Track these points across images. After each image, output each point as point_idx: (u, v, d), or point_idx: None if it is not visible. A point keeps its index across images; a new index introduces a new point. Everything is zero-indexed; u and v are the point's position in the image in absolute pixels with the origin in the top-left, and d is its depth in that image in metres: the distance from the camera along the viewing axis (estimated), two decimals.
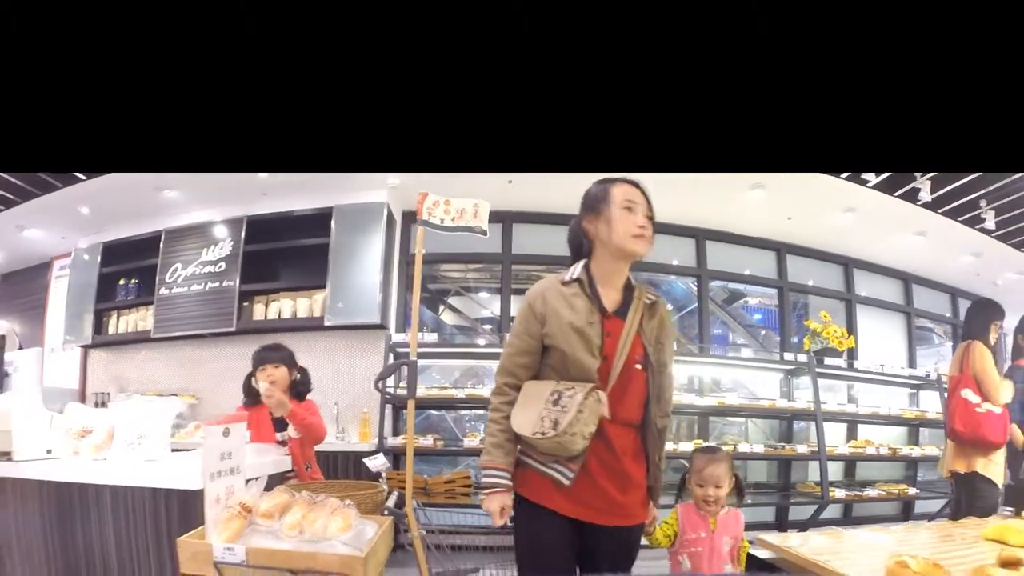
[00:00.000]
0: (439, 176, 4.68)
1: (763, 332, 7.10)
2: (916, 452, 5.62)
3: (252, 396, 2.82)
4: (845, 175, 4.44)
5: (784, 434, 5.76)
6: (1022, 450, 3.47)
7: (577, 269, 1.77)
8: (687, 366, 5.31)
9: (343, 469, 4.07)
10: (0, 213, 5.73)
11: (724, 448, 2.20)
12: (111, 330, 5.76)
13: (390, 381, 4.25)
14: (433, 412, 5.34)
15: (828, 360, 5.43)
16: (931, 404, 6.21)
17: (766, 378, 6.03)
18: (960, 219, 5.50)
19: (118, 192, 5.08)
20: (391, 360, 4.50)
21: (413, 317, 2.53)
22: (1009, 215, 5.42)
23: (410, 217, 5.27)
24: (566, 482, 1.62)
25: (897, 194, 4.82)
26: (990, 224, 5.31)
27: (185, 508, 1.85)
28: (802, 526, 4.95)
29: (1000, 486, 3.19)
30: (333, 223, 4.82)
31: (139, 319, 5.56)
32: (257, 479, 1.80)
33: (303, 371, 2.92)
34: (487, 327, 5.62)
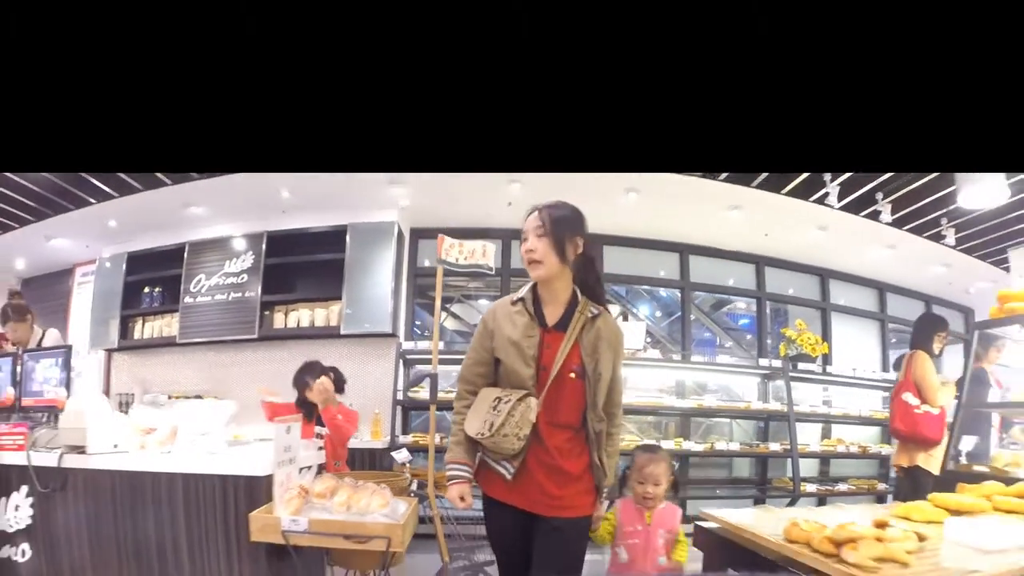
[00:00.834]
0: (444, 198, 5.15)
1: (748, 336, 7.58)
2: (886, 450, 6.07)
3: (303, 403, 3.42)
4: (813, 198, 4.89)
5: (763, 434, 6.23)
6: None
7: (524, 289, 1.98)
8: (670, 371, 5.77)
9: (359, 463, 4.52)
10: (31, 225, 6.16)
11: (662, 449, 2.34)
12: (136, 335, 6.18)
13: (400, 385, 4.71)
14: (436, 412, 5.80)
15: (802, 365, 5.90)
16: None
17: (746, 381, 6.50)
18: (925, 235, 5.96)
19: (146, 207, 5.50)
20: (401, 365, 4.96)
21: (434, 338, 2.97)
22: (970, 231, 5.88)
23: (418, 234, 5.74)
24: (508, 476, 1.86)
25: (863, 214, 5.27)
26: (950, 240, 5.78)
27: (250, 491, 2.28)
28: None
29: None
30: (348, 239, 5.27)
31: (164, 325, 5.99)
32: (309, 468, 2.24)
33: (336, 371, 3.45)
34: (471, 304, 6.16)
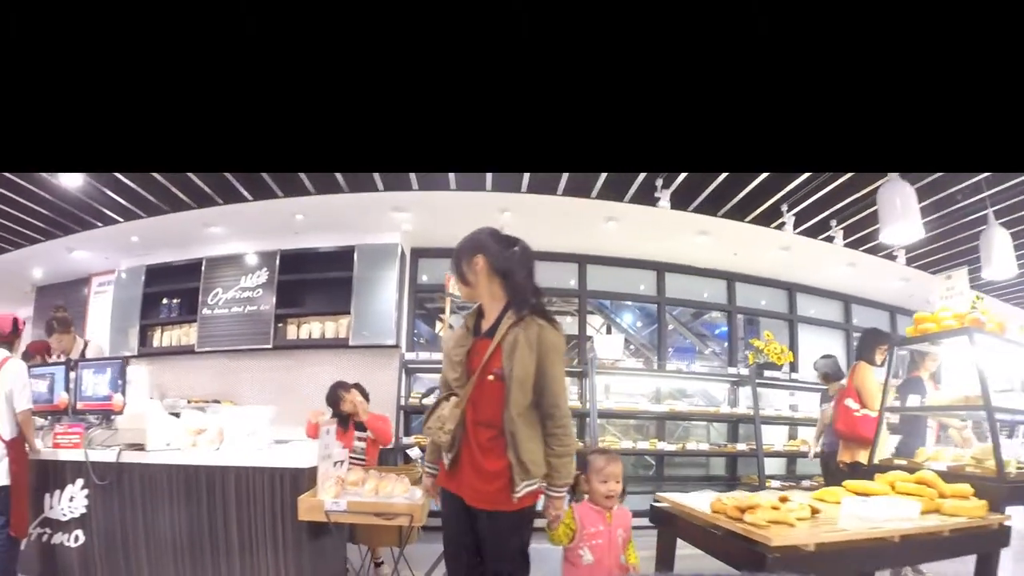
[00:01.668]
0: (442, 223, 5.69)
1: (725, 344, 8.17)
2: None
3: (339, 415, 4.09)
4: (773, 225, 5.46)
5: (734, 435, 6.80)
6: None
7: (473, 307, 2.21)
8: (647, 378, 6.33)
9: None
10: (58, 239, 6.58)
11: (615, 451, 2.43)
12: (155, 343, 6.65)
13: (403, 392, 5.24)
14: None
15: (768, 373, 6.48)
16: None
17: (721, 387, 7.07)
18: (879, 255, 6.55)
19: (167, 225, 5.97)
20: (403, 374, 5.49)
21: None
22: (919, 251, 6.48)
23: (418, 254, 6.31)
24: (447, 466, 2.10)
25: (820, 238, 5.86)
26: (901, 260, 6.39)
27: (295, 481, 2.79)
28: None
29: None
30: (355, 259, 5.81)
31: (182, 334, 6.46)
32: (343, 462, 2.76)
33: (359, 386, 4.09)
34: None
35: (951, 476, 2.79)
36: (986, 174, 4.53)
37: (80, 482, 3.29)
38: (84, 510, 3.27)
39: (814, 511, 2.14)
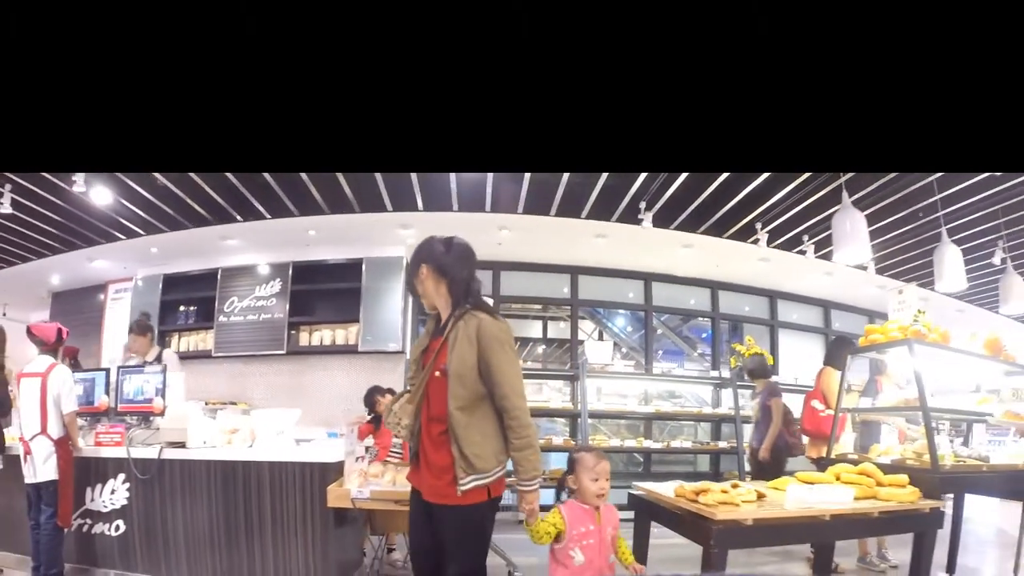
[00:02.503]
0: (444, 235, 6.09)
1: (710, 348, 8.64)
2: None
3: (376, 416, 4.50)
4: (751, 240, 5.92)
5: (718, 434, 7.25)
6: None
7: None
8: (636, 381, 6.79)
9: None
10: (80, 250, 6.97)
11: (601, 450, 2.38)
12: (172, 348, 7.03)
13: None
14: None
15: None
16: None
17: (707, 389, 7.53)
18: (852, 266, 7.01)
19: (186, 237, 6.38)
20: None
21: None
22: (890, 261, 6.95)
23: None
24: (411, 462, 2.20)
25: (795, 251, 6.32)
26: (871, 271, 6.85)
27: (323, 474, 3.22)
28: None
29: None
30: (363, 270, 6.25)
31: (199, 340, 6.88)
32: (364, 457, 3.19)
33: (392, 391, 4.51)
34: None
35: (893, 468, 3.22)
36: (940, 195, 5.00)
37: (121, 476, 3.68)
38: (125, 502, 3.65)
39: (760, 495, 2.58)
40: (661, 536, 2.79)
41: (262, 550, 3.38)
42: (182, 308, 7.06)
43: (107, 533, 3.70)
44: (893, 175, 4.69)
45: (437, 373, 2.06)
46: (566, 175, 4.81)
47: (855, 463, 3.37)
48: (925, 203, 5.24)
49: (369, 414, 4.55)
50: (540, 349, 8.38)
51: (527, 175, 4.85)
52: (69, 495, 3.56)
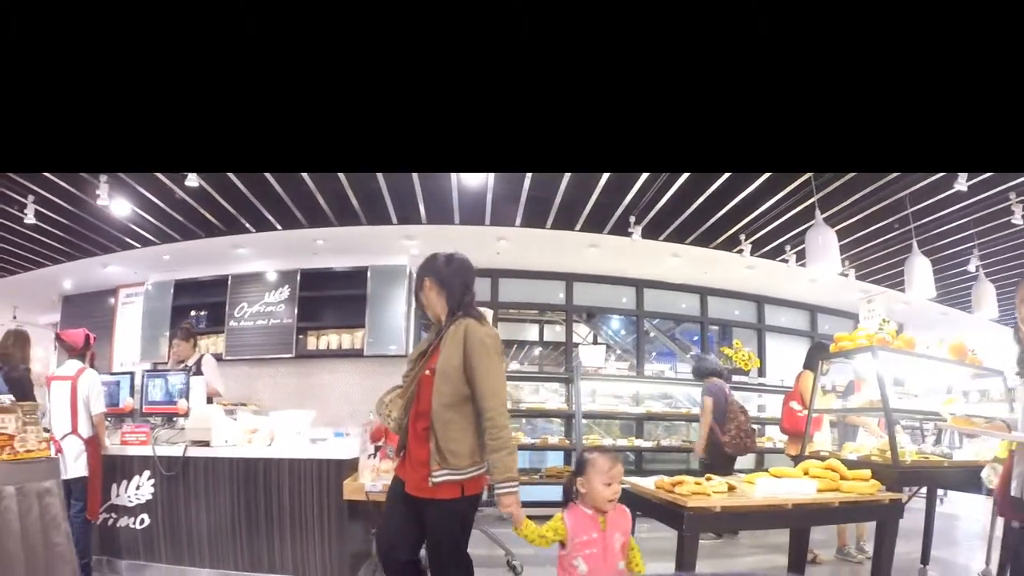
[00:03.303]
0: (446, 247, 6.37)
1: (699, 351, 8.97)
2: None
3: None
4: (735, 250, 6.25)
5: None
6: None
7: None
8: (628, 383, 7.12)
9: None
10: (95, 257, 7.25)
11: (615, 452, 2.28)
12: None
13: None
14: None
15: (737, 378, 7.26)
16: None
17: (697, 390, 7.83)
18: (830, 275, 7.33)
19: (198, 245, 6.67)
20: None
21: None
22: (867, 270, 7.29)
23: None
24: (399, 458, 2.35)
25: (778, 259, 6.65)
26: (852, 278, 7.19)
27: (338, 470, 3.52)
28: None
29: None
30: (369, 278, 6.57)
31: (209, 344, 7.17)
32: (374, 454, 3.49)
33: None
34: None
35: (859, 464, 3.54)
36: (912, 209, 5.33)
37: (147, 473, 3.93)
38: (150, 497, 3.91)
39: (732, 488, 2.89)
40: (652, 530, 3.09)
41: (281, 541, 3.64)
42: (193, 313, 7.35)
43: (132, 526, 3.95)
44: (865, 192, 5.02)
45: (427, 372, 2.22)
46: (561, 190, 5.14)
47: (824, 459, 3.69)
48: (899, 216, 5.57)
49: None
50: (536, 352, 8.70)
51: (525, 189, 5.17)
52: (98, 490, 3.80)
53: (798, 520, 3.13)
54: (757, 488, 3.00)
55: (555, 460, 6.51)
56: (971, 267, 6.41)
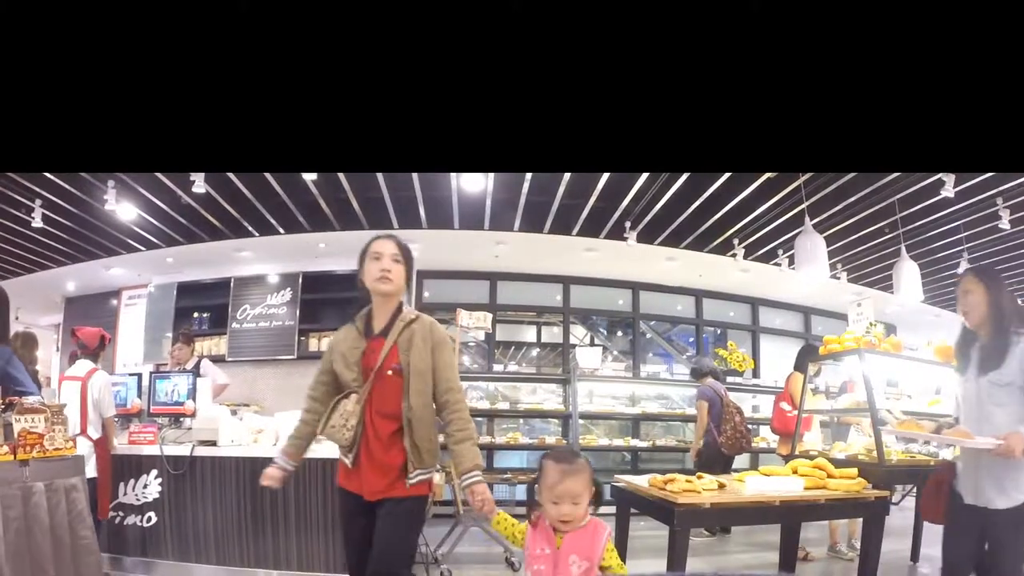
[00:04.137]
0: (445, 251, 6.56)
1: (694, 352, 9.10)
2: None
3: None
4: (729, 254, 6.38)
5: None
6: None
7: (362, 312, 2.25)
8: (625, 384, 7.24)
9: None
10: (99, 259, 7.34)
11: (580, 458, 1.77)
12: None
13: None
14: None
15: (731, 379, 7.38)
16: None
17: (692, 391, 7.96)
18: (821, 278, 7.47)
19: (201, 249, 6.77)
20: None
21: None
22: (860, 273, 7.43)
23: (423, 275, 7.22)
24: (350, 465, 2.14)
25: (771, 263, 6.78)
26: (844, 281, 7.32)
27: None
28: None
29: None
30: None
31: (212, 345, 7.28)
32: None
33: None
34: (471, 345, 7.63)
35: (847, 463, 3.66)
36: (901, 215, 5.47)
37: (154, 472, 4.01)
38: (157, 495, 3.99)
39: (722, 485, 3.01)
40: (648, 528, 3.21)
41: (286, 538, 3.73)
42: (196, 315, 7.46)
43: (139, 524, 4.02)
44: (855, 197, 5.15)
45: (390, 372, 2.09)
46: (559, 195, 5.26)
47: (813, 459, 3.81)
48: (889, 220, 5.71)
49: None
50: (534, 353, 8.81)
51: (523, 194, 5.29)
52: (107, 490, 3.88)
53: (786, 516, 3.25)
54: (747, 486, 3.12)
55: None
56: (961, 270, 6.53)
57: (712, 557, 4.95)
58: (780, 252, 6.43)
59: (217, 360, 7.12)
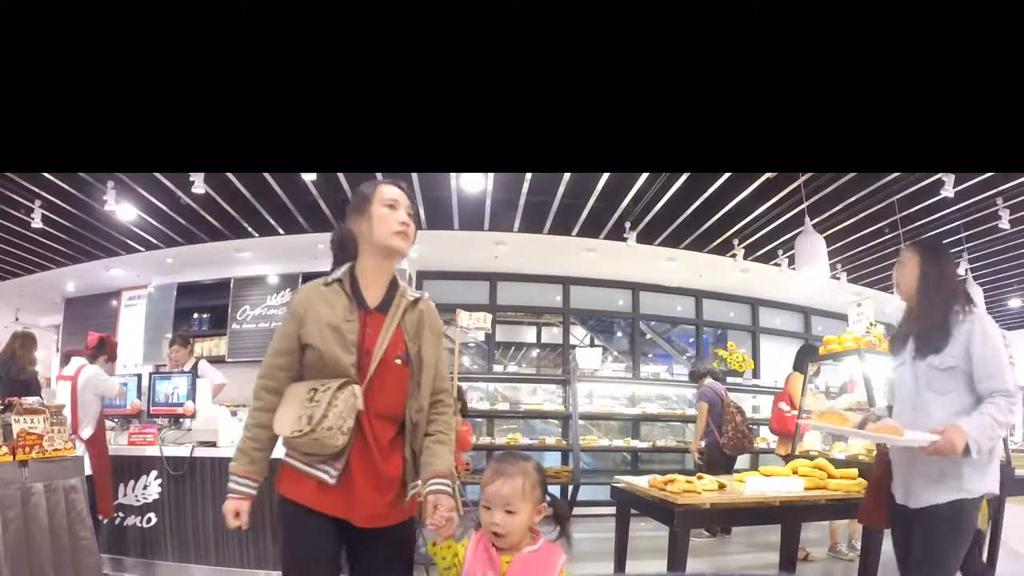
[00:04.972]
0: (444, 251, 6.57)
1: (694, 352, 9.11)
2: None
3: None
4: (729, 254, 6.38)
5: None
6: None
7: (340, 270, 1.72)
8: (624, 384, 7.25)
9: None
10: (99, 260, 7.35)
11: (524, 462, 1.53)
12: None
13: None
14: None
15: (731, 379, 7.38)
16: None
17: (691, 391, 7.97)
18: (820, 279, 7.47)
19: (201, 250, 6.78)
20: None
21: (455, 370, 4.35)
22: (860, 273, 7.43)
23: (423, 276, 7.23)
24: (331, 481, 1.56)
25: (771, 263, 6.78)
26: (844, 281, 7.32)
27: None
28: None
29: None
30: None
31: (212, 346, 7.28)
32: None
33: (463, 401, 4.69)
34: (471, 346, 7.63)
35: (847, 463, 3.66)
36: (901, 214, 5.47)
37: (154, 473, 3.99)
38: (157, 496, 3.98)
39: (722, 486, 3.01)
40: (648, 529, 3.21)
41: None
42: (196, 315, 7.45)
43: (139, 525, 4.00)
44: (854, 198, 5.16)
45: (398, 361, 1.65)
46: (559, 196, 5.27)
47: (813, 459, 3.81)
48: (889, 220, 5.71)
49: None
50: (534, 354, 8.81)
51: (523, 195, 5.30)
52: (107, 488, 3.86)
53: (786, 517, 3.24)
54: (748, 486, 3.12)
55: (552, 461, 6.62)
56: (960, 270, 6.54)
57: (712, 558, 4.95)
58: (780, 252, 6.44)
59: (217, 361, 7.12)
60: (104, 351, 4.27)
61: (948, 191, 4.70)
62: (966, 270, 6.51)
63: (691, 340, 9.21)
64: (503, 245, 6.22)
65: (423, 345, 1.69)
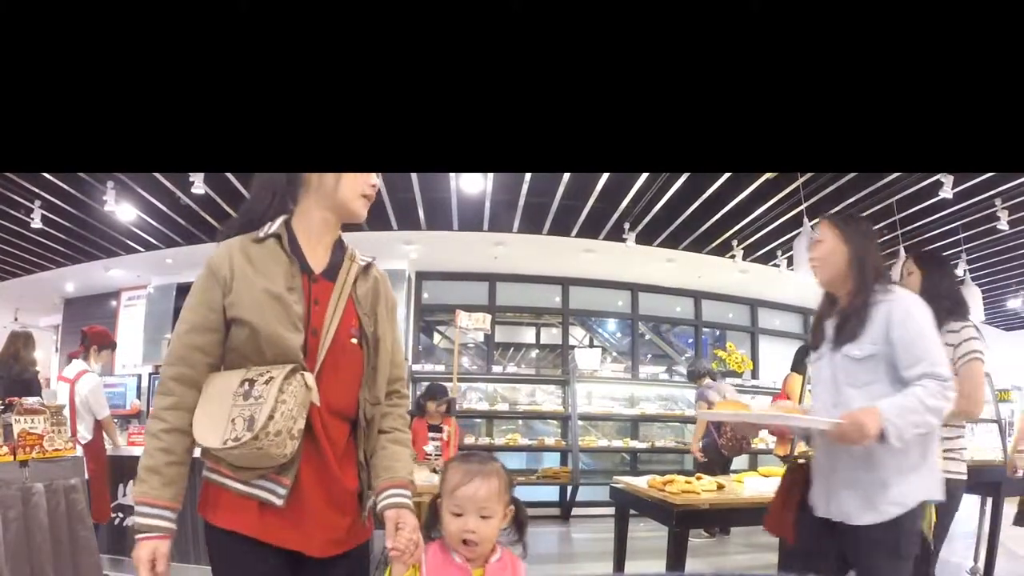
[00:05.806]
0: (443, 252, 6.58)
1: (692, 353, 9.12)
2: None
3: (420, 412, 4.66)
4: (728, 255, 6.39)
5: None
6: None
7: (275, 224, 1.37)
8: (623, 385, 7.26)
9: None
10: (99, 260, 7.34)
11: (494, 461, 1.35)
12: None
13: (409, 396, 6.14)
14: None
15: (730, 380, 7.38)
16: None
17: (691, 392, 7.98)
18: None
19: (202, 250, 6.76)
20: (410, 382, 6.36)
21: (454, 370, 4.36)
22: None
23: (422, 277, 7.25)
24: (278, 502, 1.21)
25: (770, 264, 6.79)
26: None
27: None
28: None
29: None
30: None
31: None
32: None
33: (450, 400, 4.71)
34: (471, 347, 7.62)
35: None
36: (900, 215, 5.48)
37: None
38: None
39: (720, 486, 3.02)
40: (647, 529, 3.23)
41: None
42: None
43: None
44: (853, 199, 5.17)
45: (353, 340, 1.33)
46: (558, 196, 5.27)
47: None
48: (887, 222, 5.72)
49: (417, 410, 4.71)
50: (533, 354, 8.81)
51: (522, 196, 5.31)
52: (103, 493, 3.88)
53: None
54: (746, 486, 3.13)
55: (551, 461, 6.64)
56: (959, 272, 6.55)
57: (711, 558, 4.96)
58: (779, 253, 6.45)
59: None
60: (92, 342, 4.24)
61: (947, 192, 4.71)
62: (964, 271, 6.52)
63: (690, 341, 9.22)
64: (502, 246, 6.23)
65: (378, 322, 1.37)
